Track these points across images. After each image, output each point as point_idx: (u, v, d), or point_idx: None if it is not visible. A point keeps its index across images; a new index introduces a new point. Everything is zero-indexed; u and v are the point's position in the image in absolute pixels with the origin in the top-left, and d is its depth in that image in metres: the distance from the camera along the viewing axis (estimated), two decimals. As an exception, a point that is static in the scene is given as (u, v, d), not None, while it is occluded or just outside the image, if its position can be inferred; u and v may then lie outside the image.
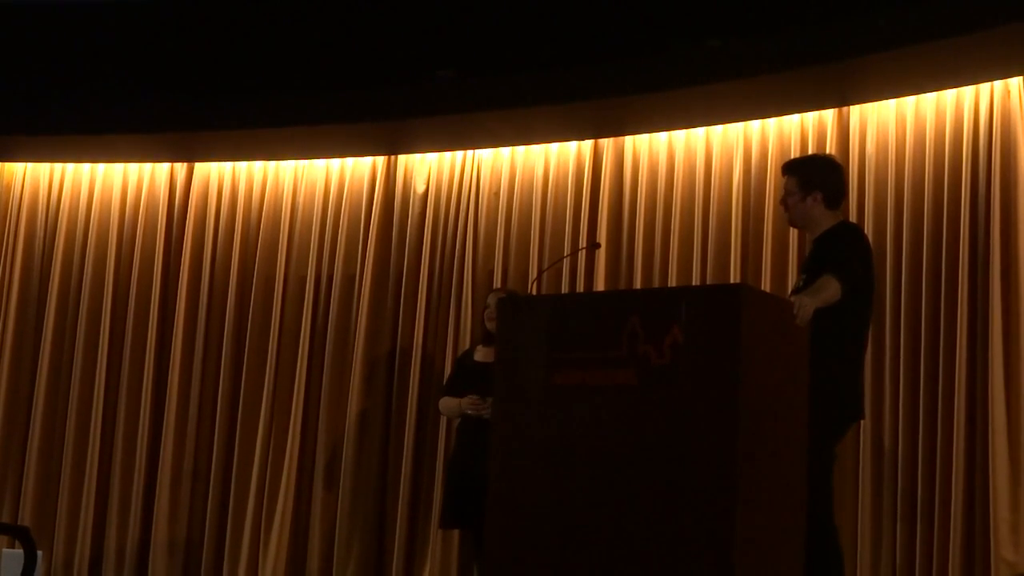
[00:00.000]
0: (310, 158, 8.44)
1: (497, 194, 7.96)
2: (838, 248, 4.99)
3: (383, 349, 8.05)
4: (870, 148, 6.89)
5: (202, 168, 8.67)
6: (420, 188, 8.17)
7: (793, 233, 6.89)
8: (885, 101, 6.86)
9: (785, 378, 4.33)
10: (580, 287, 7.53)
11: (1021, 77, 6.48)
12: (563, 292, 7.47)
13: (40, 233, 8.87)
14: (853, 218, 6.68)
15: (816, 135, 7.05)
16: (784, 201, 5.24)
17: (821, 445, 4.75)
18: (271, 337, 8.28)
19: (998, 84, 6.53)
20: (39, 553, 5.41)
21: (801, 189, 5.16)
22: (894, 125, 6.84)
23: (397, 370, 7.98)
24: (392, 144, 8.17)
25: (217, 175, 8.66)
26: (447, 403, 6.55)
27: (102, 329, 8.59)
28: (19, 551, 6.67)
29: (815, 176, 5.21)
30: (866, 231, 6.11)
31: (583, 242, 7.54)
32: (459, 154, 8.11)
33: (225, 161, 8.63)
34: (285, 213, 8.44)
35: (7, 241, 8.86)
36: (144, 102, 8.13)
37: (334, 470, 7.97)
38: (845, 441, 5.68)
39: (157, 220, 8.68)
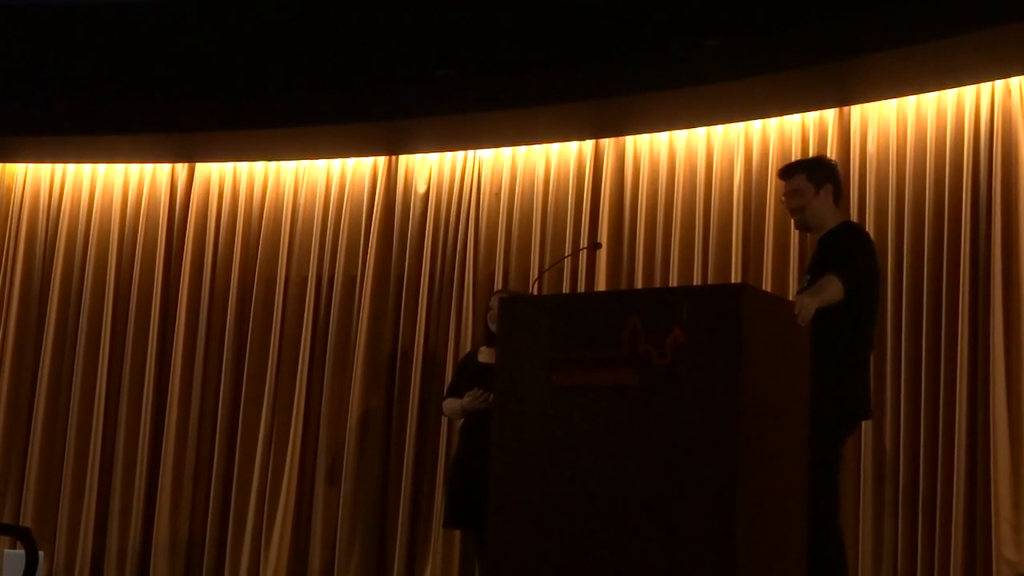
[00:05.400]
0: (311, 158, 8.44)
1: (498, 194, 7.96)
2: (841, 248, 4.99)
3: (384, 350, 8.05)
4: (871, 148, 6.89)
5: (203, 169, 8.68)
6: (421, 188, 8.17)
7: (794, 232, 6.89)
8: (886, 100, 6.86)
9: (786, 378, 4.33)
10: (581, 287, 7.53)
11: (1022, 76, 6.48)
12: (564, 292, 7.47)
13: (41, 234, 8.87)
14: (854, 218, 6.68)
15: (817, 135, 7.06)
16: (794, 202, 5.18)
17: (827, 445, 4.75)
18: (272, 338, 8.28)
19: (999, 83, 6.54)
20: (40, 554, 5.41)
21: (812, 182, 5.14)
22: (895, 124, 6.84)
23: (398, 370, 7.98)
24: (393, 144, 8.17)
25: (218, 176, 8.66)
26: (450, 405, 6.54)
27: (103, 330, 8.59)
28: (21, 552, 6.67)
29: (822, 170, 5.21)
30: (867, 230, 6.10)
31: (584, 242, 7.54)
32: (460, 154, 8.11)
33: (226, 162, 8.63)
34: (286, 214, 8.44)
35: (8, 242, 8.86)
36: (145, 102, 8.13)
37: (335, 471, 7.97)
38: (848, 440, 5.67)
39: (158, 221, 8.68)
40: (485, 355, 6.43)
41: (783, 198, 5.32)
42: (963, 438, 6.31)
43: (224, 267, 8.54)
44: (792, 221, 5.49)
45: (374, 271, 8.13)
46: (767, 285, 6.92)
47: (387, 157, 8.27)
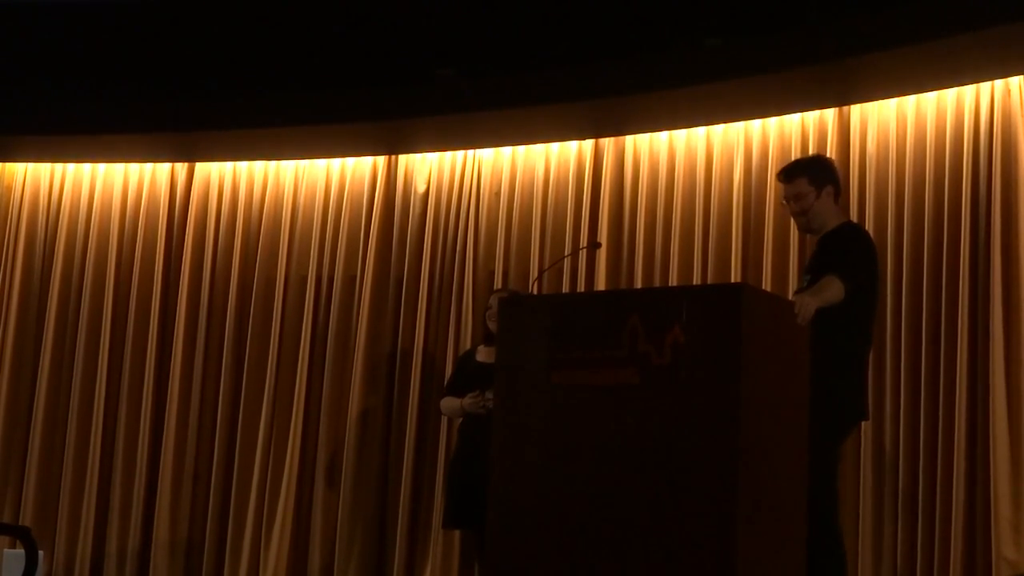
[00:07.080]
0: (311, 158, 8.44)
1: (498, 194, 7.97)
2: (842, 248, 4.98)
3: (384, 349, 8.05)
4: (871, 147, 6.89)
5: (203, 168, 8.68)
6: (421, 188, 8.17)
7: (794, 232, 6.89)
8: (886, 100, 6.86)
9: (786, 378, 4.33)
10: (581, 287, 7.53)
11: (1021, 76, 6.48)
12: (564, 292, 7.47)
13: (41, 233, 8.87)
14: (853, 217, 6.67)
15: (817, 134, 7.06)
16: (797, 207, 5.16)
17: (825, 445, 4.74)
18: (272, 337, 8.28)
19: (999, 83, 6.54)
20: (40, 553, 5.41)
21: (814, 185, 5.12)
22: (895, 124, 6.84)
23: (398, 370, 7.98)
24: (393, 144, 8.17)
25: (218, 175, 8.66)
26: (448, 403, 6.55)
27: (103, 329, 8.59)
28: (20, 551, 6.67)
29: (822, 172, 5.20)
30: (867, 230, 6.10)
31: (584, 242, 7.54)
32: (460, 154, 8.11)
33: (226, 161, 8.63)
34: (286, 213, 8.44)
35: (8, 241, 8.86)
36: (144, 102, 8.13)
37: (335, 471, 7.97)
38: (846, 441, 5.68)
39: (158, 220, 8.68)
40: (483, 354, 6.44)
41: (784, 202, 5.29)
42: (963, 437, 6.31)
43: (224, 267, 8.54)
44: (793, 222, 5.47)
45: (374, 271, 8.14)
46: (767, 285, 6.92)
47: (387, 157, 8.27)
